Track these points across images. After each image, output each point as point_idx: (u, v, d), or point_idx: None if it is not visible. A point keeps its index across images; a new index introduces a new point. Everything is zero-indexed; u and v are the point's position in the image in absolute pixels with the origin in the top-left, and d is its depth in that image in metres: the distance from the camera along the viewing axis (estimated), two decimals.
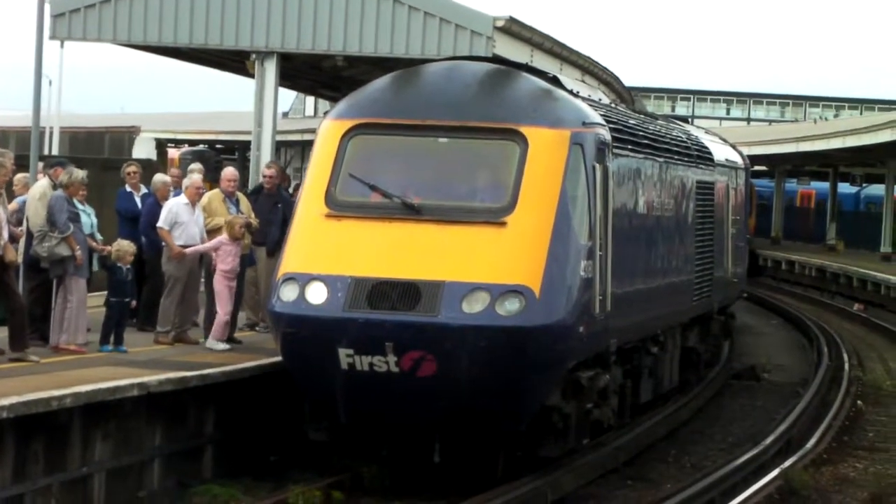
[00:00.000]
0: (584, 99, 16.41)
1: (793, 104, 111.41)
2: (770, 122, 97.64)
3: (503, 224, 14.30)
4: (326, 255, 14.40)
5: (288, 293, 14.27)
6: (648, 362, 18.97)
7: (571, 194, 14.69)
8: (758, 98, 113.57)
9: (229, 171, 18.21)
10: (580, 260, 14.64)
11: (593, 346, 15.37)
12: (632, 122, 18.23)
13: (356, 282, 14.07)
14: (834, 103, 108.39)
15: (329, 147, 15.02)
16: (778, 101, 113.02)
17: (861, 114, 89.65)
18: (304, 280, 14.23)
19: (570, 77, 21.64)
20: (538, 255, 14.20)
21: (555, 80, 16.10)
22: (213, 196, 18.02)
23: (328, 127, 15.26)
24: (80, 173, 16.11)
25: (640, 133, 18.07)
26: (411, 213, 14.42)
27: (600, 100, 18.08)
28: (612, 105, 19.05)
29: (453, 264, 14.10)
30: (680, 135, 21.60)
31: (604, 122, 15.98)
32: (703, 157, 22.17)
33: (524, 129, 14.70)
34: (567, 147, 14.78)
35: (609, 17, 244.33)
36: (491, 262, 14.12)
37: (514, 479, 14.74)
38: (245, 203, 18.23)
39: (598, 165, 15.32)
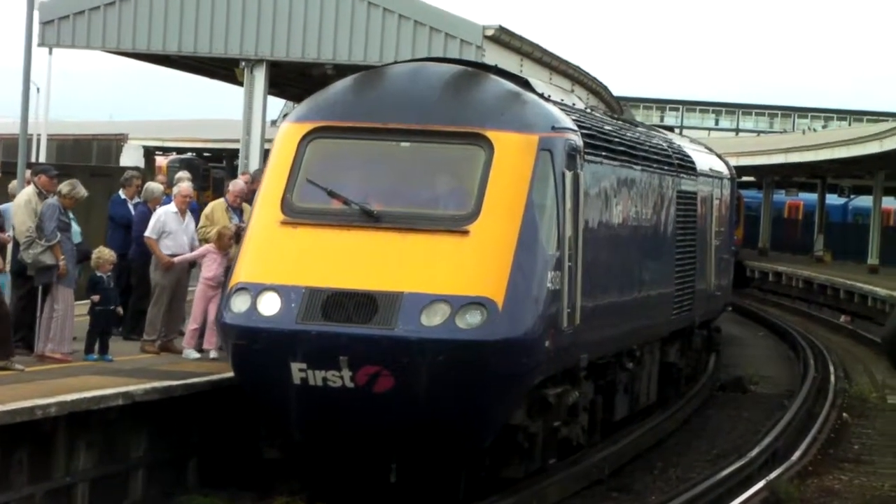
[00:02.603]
0: (555, 103, 15.75)
1: (781, 115, 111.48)
2: (758, 132, 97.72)
3: (466, 232, 13.71)
4: (281, 264, 13.82)
5: (239, 304, 13.69)
6: (623, 378, 18.33)
7: (539, 202, 14.10)
8: (746, 109, 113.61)
9: (239, 187, 18.16)
10: (547, 271, 14.04)
11: (561, 361, 14.78)
12: (607, 128, 17.61)
13: (311, 292, 13.50)
14: (823, 114, 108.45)
15: (286, 151, 14.42)
16: (766, 111, 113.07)
17: (850, 125, 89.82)
18: (256, 290, 13.65)
19: (560, 86, 21.48)
20: (502, 266, 13.60)
21: (524, 83, 15.50)
22: (216, 206, 18.06)
23: (286, 130, 14.67)
24: (83, 192, 16.07)
25: (616, 139, 17.43)
26: (370, 220, 13.85)
27: (574, 105, 17.37)
28: (587, 110, 18.29)
29: (412, 275, 13.52)
30: (660, 143, 20.96)
31: (575, 128, 15.37)
32: (684, 166, 21.51)
33: (490, 134, 14.10)
34: (535, 152, 14.17)
35: (599, 27, 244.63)
36: (452, 273, 13.54)
37: (477, 500, 14.15)
38: (248, 213, 18.21)
39: (568, 172, 14.70)
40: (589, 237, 15.45)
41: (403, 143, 14.25)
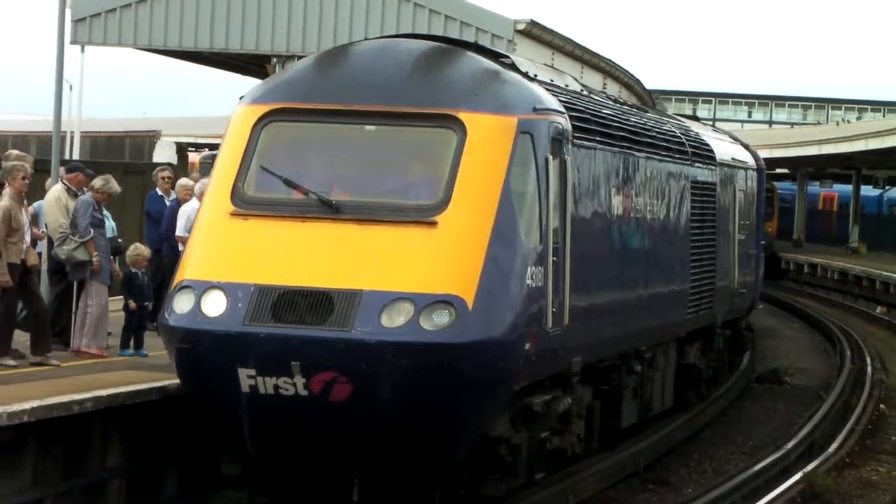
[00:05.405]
0: (541, 83, 14.28)
1: (815, 106, 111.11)
2: (792, 124, 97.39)
3: (433, 224, 12.34)
4: (228, 259, 12.52)
5: (182, 304, 12.39)
6: (631, 382, 16.97)
7: (517, 190, 12.75)
8: (779, 101, 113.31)
9: None
10: (526, 266, 12.66)
11: (547, 365, 13.37)
12: (605, 111, 16.15)
13: (260, 290, 12.19)
14: (856, 105, 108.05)
15: (239, 136, 13.06)
16: (800, 103, 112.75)
17: (884, 116, 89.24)
18: (201, 288, 12.34)
19: (592, 81, 21.21)
20: (473, 260, 12.24)
21: (505, 61, 14.24)
22: None
23: (240, 113, 13.27)
24: (116, 187, 16.00)
25: (615, 124, 16.03)
26: (329, 211, 12.50)
27: (567, 85, 15.85)
28: (581, 92, 16.50)
29: (374, 271, 12.18)
30: (672, 129, 19.41)
31: (562, 109, 14.00)
32: (701, 154, 19.99)
33: (462, 115, 12.70)
34: (513, 136, 12.80)
35: (631, 20, 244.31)
36: (417, 269, 12.18)
37: None
38: None
39: (552, 158, 13.33)
40: (580, 230, 14.19)
41: (368, 127, 12.91)
